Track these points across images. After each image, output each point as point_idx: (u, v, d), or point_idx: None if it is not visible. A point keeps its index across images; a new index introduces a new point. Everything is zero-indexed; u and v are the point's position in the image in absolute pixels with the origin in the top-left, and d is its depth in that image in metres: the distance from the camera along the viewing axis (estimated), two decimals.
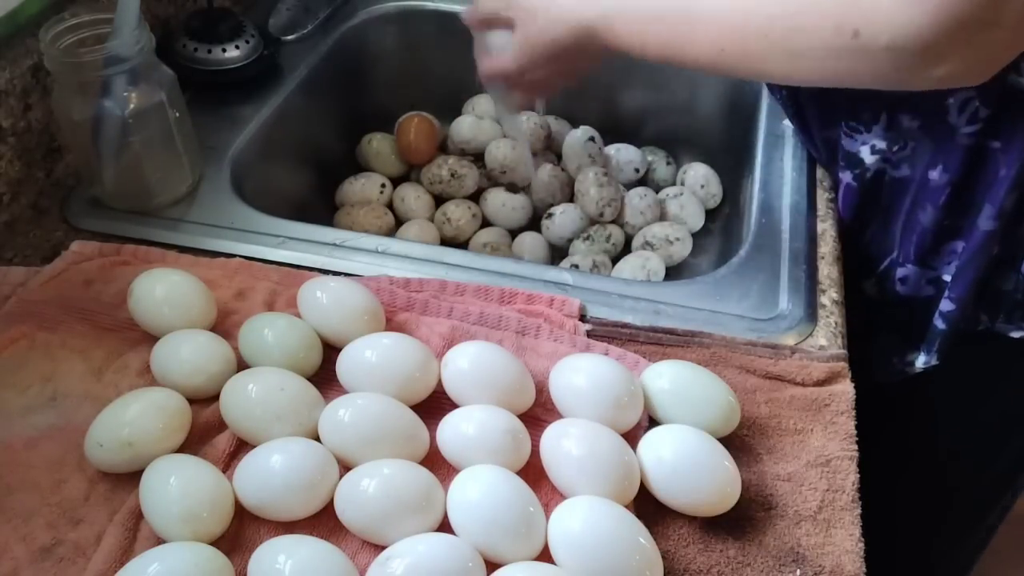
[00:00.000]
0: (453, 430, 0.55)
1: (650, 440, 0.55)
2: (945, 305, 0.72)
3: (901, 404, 0.81)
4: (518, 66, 0.74)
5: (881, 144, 0.71)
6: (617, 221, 0.94)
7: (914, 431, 0.85)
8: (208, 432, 0.57)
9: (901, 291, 0.75)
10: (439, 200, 0.98)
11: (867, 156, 0.72)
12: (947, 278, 0.72)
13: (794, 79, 0.64)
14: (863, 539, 0.54)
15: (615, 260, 0.90)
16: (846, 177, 0.75)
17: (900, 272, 0.75)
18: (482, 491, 0.51)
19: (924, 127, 0.68)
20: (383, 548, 0.49)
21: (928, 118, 0.67)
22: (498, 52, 0.76)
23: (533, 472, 0.54)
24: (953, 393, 0.80)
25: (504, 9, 0.73)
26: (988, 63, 0.54)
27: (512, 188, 0.97)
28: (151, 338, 0.62)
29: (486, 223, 0.97)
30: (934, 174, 0.69)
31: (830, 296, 0.69)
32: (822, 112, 0.76)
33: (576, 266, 0.88)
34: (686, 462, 0.53)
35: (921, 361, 0.77)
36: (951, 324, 0.73)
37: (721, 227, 0.96)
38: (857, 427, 0.59)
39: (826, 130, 0.77)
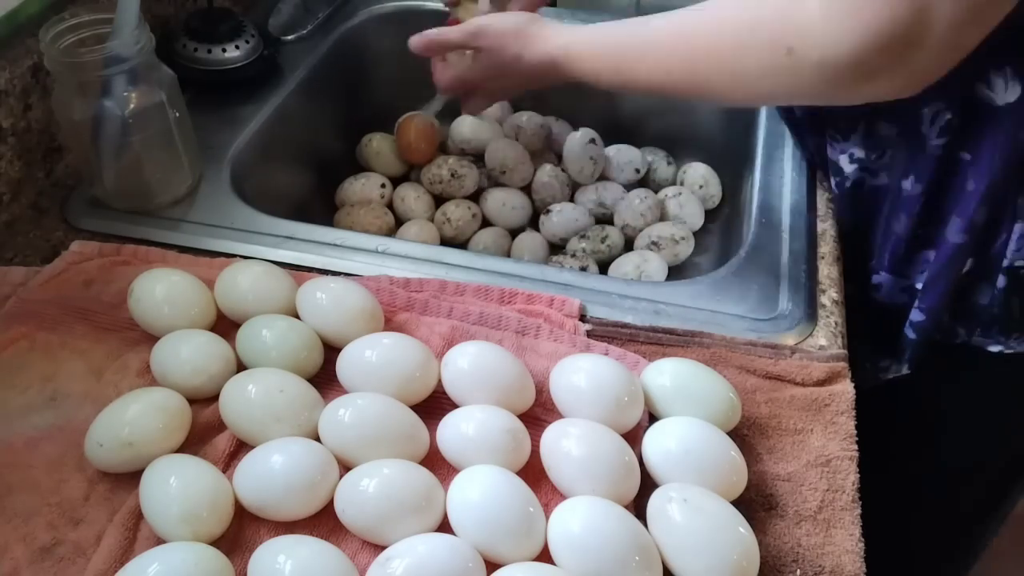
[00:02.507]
0: (453, 430, 0.55)
1: (656, 432, 0.55)
2: (915, 315, 0.72)
3: (900, 405, 0.81)
4: (479, 79, 0.78)
5: (860, 153, 0.72)
6: (615, 222, 0.94)
7: (911, 434, 0.85)
8: (208, 432, 0.57)
9: (876, 298, 0.76)
10: (439, 200, 0.98)
11: (846, 165, 0.73)
12: (919, 286, 0.73)
13: (738, 98, 0.67)
14: (863, 539, 0.54)
15: (611, 260, 0.90)
16: (832, 183, 0.76)
17: (875, 279, 0.75)
18: (482, 491, 0.51)
19: (900, 135, 0.69)
20: (383, 548, 0.49)
21: (904, 126, 0.68)
22: (457, 62, 0.80)
23: (533, 472, 0.54)
24: (942, 402, 0.80)
25: (474, 39, 0.76)
26: (915, 80, 0.55)
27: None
28: (151, 338, 0.62)
29: (486, 223, 0.97)
30: (907, 184, 0.69)
31: (830, 296, 0.69)
32: (811, 118, 0.78)
33: (560, 264, 0.88)
34: (693, 452, 0.54)
35: (893, 369, 0.78)
36: (921, 334, 0.73)
37: (721, 227, 0.96)
38: (857, 427, 0.59)
39: (816, 136, 0.78)
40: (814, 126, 0.77)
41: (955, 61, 0.54)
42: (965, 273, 0.70)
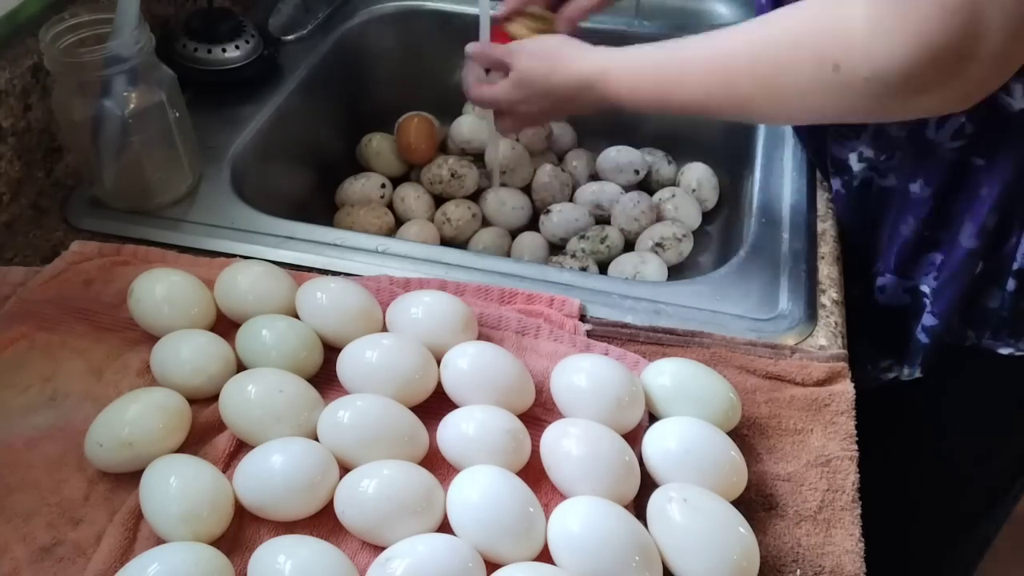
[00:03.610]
0: (453, 430, 0.55)
1: (656, 432, 0.55)
2: (928, 320, 0.72)
3: (902, 407, 0.81)
4: (512, 100, 0.77)
5: (869, 152, 0.71)
6: (612, 224, 0.94)
7: (912, 434, 0.85)
8: (208, 432, 0.57)
9: (880, 300, 0.76)
10: (439, 200, 0.98)
11: (855, 163, 0.73)
12: (924, 288, 0.72)
13: (781, 118, 0.66)
14: (863, 539, 0.54)
15: (611, 261, 0.90)
16: (836, 183, 0.76)
17: (880, 281, 0.75)
18: (482, 491, 0.51)
19: (909, 138, 0.68)
20: (383, 548, 0.49)
21: (912, 130, 0.68)
22: (491, 81, 0.79)
23: (533, 472, 0.54)
24: (947, 403, 0.80)
25: (510, 56, 0.76)
26: (968, 94, 0.54)
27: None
28: (151, 338, 0.62)
29: (486, 223, 0.97)
30: (915, 187, 0.69)
31: (830, 296, 0.69)
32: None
33: (560, 263, 0.88)
34: (693, 452, 0.54)
35: (905, 373, 0.77)
36: (934, 339, 0.73)
37: (721, 227, 0.96)
38: (857, 427, 0.59)
39: (814, 138, 0.78)
40: (813, 127, 0.77)
41: (1008, 73, 0.53)
42: (975, 276, 0.69)
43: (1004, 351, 0.73)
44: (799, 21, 0.57)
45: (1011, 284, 0.68)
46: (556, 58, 0.73)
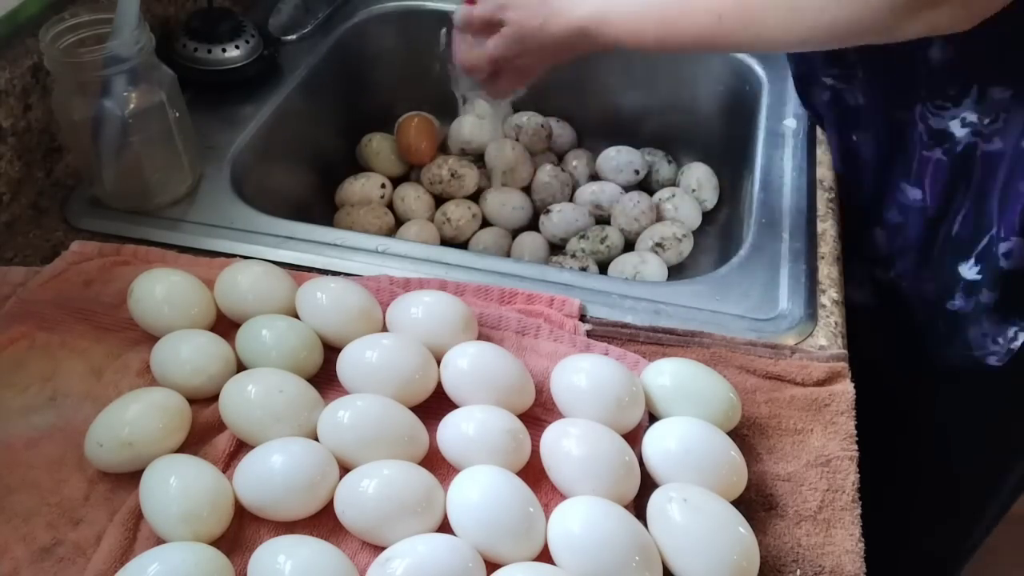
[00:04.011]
0: (453, 430, 0.55)
1: (656, 432, 0.55)
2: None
3: (902, 405, 0.81)
4: (506, 55, 0.75)
5: (972, 117, 0.69)
6: (612, 224, 0.94)
7: (914, 432, 0.85)
8: (208, 432, 0.57)
9: (1005, 266, 0.72)
10: (439, 200, 0.98)
11: (957, 130, 0.70)
12: None
13: (793, 38, 0.62)
14: (863, 539, 0.54)
15: (611, 260, 0.90)
16: (935, 154, 0.73)
17: (1003, 247, 0.71)
18: (482, 491, 0.51)
19: (1016, 97, 0.66)
20: (383, 548, 0.49)
21: (1018, 88, 0.66)
22: (480, 44, 0.76)
23: (533, 472, 0.54)
24: (952, 396, 0.80)
25: (499, 10, 0.74)
26: (971, 9, 0.55)
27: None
28: (151, 338, 0.62)
29: (486, 223, 0.97)
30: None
31: (830, 296, 0.69)
32: (899, 91, 0.74)
33: (560, 263, 0.88)
34: (693, 452, 0.54)
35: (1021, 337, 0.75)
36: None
37: (721, 227, 0.96)
38: (857, 427, 0.59)
39: (899, 110, 0.74)
40: (901, 99, 0.74)
41: None
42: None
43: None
44: None
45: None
46: (548, 5, 0.71)
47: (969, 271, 0.75)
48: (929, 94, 0.71)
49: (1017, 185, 0.69)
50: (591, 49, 0.70)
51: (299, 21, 1.00)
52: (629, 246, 0.92)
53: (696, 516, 0.50)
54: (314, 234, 0.73)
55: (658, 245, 0.89)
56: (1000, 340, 0.75)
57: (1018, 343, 0.75)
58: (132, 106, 0.70)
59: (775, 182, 0.80)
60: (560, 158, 1.04)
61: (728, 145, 0.98)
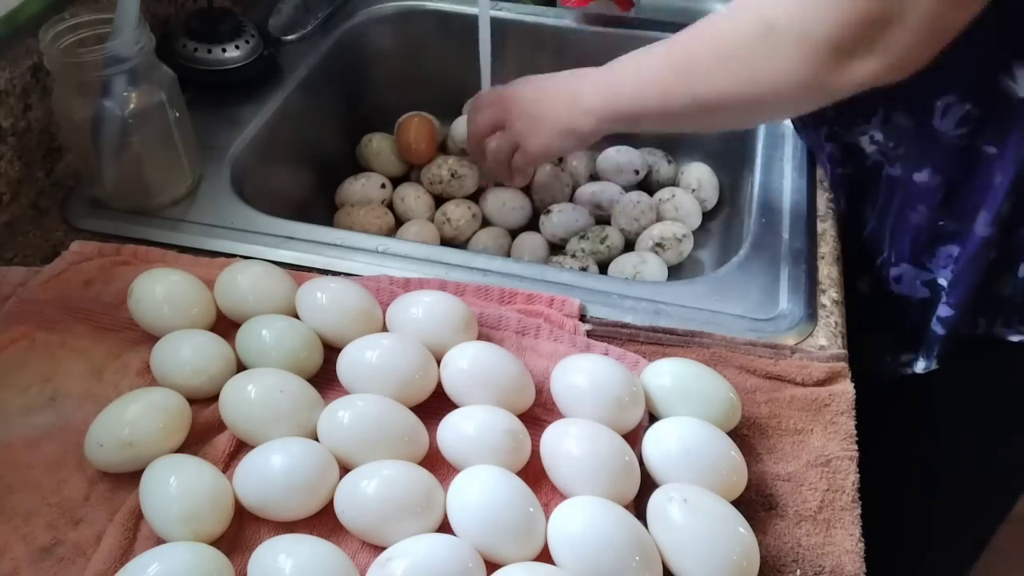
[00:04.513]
0: (453, 430, 0.55)
1: (656, 432, 0.55)
2: (943, 311, 0.72)
3: (901, 404, 0.81)
4: (501, 118, 0.80)
5: (879, 136, 0.71)
6: (612, 224, 0.94)
7: (914, 431, 0.85)
8: (208, 432, 0.57)
9: (895, 290, 0.75)
10: (439, 200, 0.98)
11: (867, 146, 0.73)
12: (943, 282, 0.72)
13: (728, 95, 0.62)
14: (863, 539, 0.54)
15: (611, 261, 0.90)
16: (846, 169, 0.76)
17: (893, 271, 0.75)
18: (482, 491, 0.51)
19: (916, 127, 0.68)
20: (383, 549, 0.49)
21: (919, 119, 0.68)
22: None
23: (533, 472, 0.54)
24: (952, 395, 0.80)
25: (504, 118, 0.80)
26: (899, 60, 0.55)
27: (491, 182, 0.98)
28: (151, 338, 0.62)
29: (486, 223, 0.97)
30: (921, 176, 0.69)
31: (830, 296, 0.69)
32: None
33: (560, 263, 0.88)
34: (693, 452, 0.54)
35: (921, 366, 0.77)
36: (949, 329, 0.73)
37: (721, 227, 0.96)
38: (857, 427, 0.59)
39: (816, 127, 0.77)
40: (816, 117, 0.76)
41: (941, 42, 0.54)
42: (988, 264, 0.69)
43: (1015, 338, 0.72)
44: None
45: (1022, 271, 0.68)
46: (550, 118, 0.76)
47: (865, 286, 0.79)
48: (836, 116, 0.74)
49: (908, 214, 0.72)
50: (583, 116, 0.73)
51: (299, 21, 1.00)
52: (629, 246, 0.92)
53: (696, 516, 0.50)
54: (314, 234, 0.73)
55: (658, 245, 0.89)
56: (888, 360, 0.79)
57: (910, 369, 0.78)
58: (132, 106, 0.70)
59: (775, 182, 0.80)
60: (560, 158, 1.04)
61: (728, 145, 0.98)
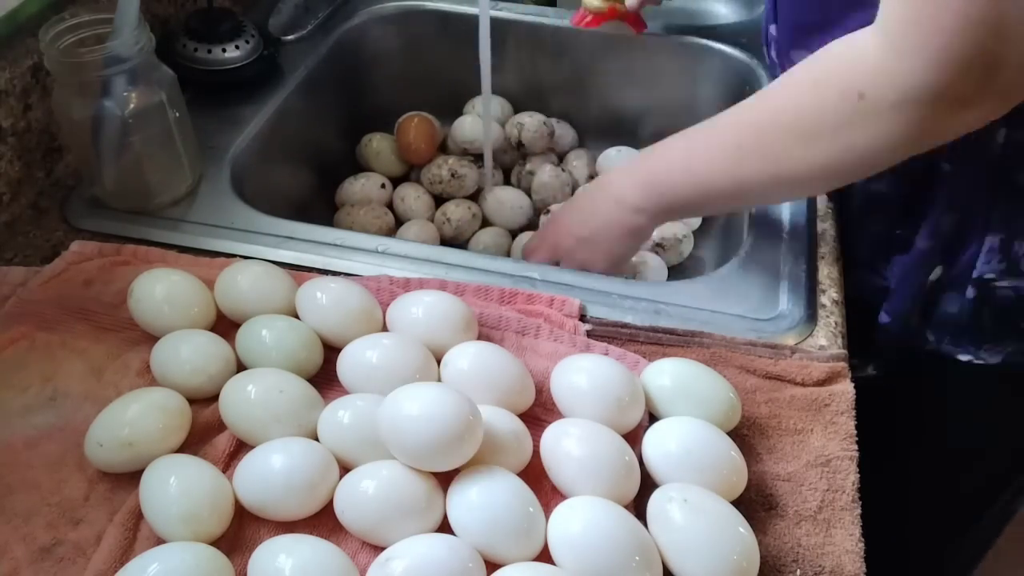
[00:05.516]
0: None
1: (656, 432, 0.55)
2: (882, 318, 0.73)
3: (899, 405, 0.81)
4: (548, 231, 0.80)
5: None
6: None
7: (910, 433, 0.85)
8: (208, 432, 0.57)
9: (851, 295, 0.74)
10: (439, 200, 0.98)
11: None
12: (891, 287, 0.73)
13: (817, 167, 0.59)
14: (863, 539, 0.54)
15: None
16: None
17: (852, 276, 0.74)
18: (482, 491, 0.50)
19: None
20: (383, 549, 0.49)
21: None
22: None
23: (533, 472, 0.54)
24: (920, 406, 0.81)
25: (553, 250, 0.78)
26: (1006, 100, 0.52)
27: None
28: (151, 338, 0.62)
29: (486, 223, 0.97)
30: (879, 186, 0.69)
31: (830, 296, 0.69)
32: None
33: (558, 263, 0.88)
34: (693, 452, 0.54)
35: (869, 371, 0.77)
36: (886, 337, 0.73)
37: (721, 227, 0.96)
38: (857, 427, 0.59)
39: None
40: None
41: None
42: (935, 281, 0.70)
43: (963, 357, 0.73)
44: (813, 62, 0.56)
45: (970, 292, 0.69)
46: (573, 197, 0.76)
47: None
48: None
49: (867, 221, 0.74)
50: (619, 208, 0.72)
51: (299, 21, 1.00)
52: None
53: (696, 516, 0.50)
54: (314, 234, 0.73)
55: (658, 245, 0.89)
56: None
57: (856, 373, 0.77)
58: (132, 106, 0.70)
59: None
60: (560, 158, 1.04)
61: None
